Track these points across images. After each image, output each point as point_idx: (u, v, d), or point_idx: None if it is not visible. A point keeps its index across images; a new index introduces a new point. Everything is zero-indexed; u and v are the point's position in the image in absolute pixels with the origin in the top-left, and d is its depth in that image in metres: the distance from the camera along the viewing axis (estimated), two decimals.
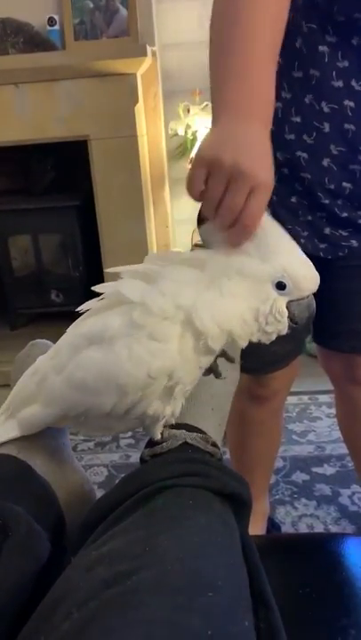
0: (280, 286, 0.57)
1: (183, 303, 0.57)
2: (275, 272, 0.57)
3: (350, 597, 0.62)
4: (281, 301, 0.58)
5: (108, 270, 0.63)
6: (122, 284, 0.60)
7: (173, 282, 0.58)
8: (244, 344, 0.60)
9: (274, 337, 0.60)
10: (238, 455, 1.32)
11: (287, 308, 0.58)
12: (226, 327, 0.58)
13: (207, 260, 0.59)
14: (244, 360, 1.08)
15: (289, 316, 0.59)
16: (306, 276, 0.58)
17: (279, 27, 0.71)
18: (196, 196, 0.61)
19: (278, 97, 0.86)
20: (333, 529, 1.46)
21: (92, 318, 0.62)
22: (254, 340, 0.60)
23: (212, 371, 0.65)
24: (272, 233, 0.58)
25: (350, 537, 0.73)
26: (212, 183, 0.60)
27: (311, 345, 1.20)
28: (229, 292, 0.57)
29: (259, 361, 1.06)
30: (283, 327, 0.59)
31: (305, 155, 0.93)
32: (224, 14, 0.71)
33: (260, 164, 0.60)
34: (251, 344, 0.61)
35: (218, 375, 0.67)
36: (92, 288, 0.62)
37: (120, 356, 0.57)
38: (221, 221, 0.59)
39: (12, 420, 0.68)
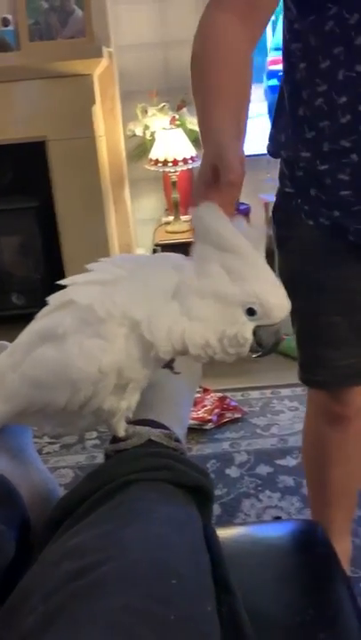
0: (250, 312, 0.59)
1: (132, 315, 0.58)
2: (247, 297, 0.58)
3: (310, 579, 0.65)
4: (248, 326, 0.59)
5: (75, 282, 0.63)
6: (74, 289, 0.61)
7: (132, 289, 0.59)
8: (204, 362, 0.62)
9: (234, 359, 0.61)
10: (316, 488, 1.27)
11: (255, 332, 0.60)
12: (180, 348, 0.59)
13: (185, 271, 0.60)
14: (316, 374, 1.06)
15: (256, 340, 0.60)
16: (277, 305, 0.59)
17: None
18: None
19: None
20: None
21: (46, 318, 0.63)
22: (216, 358, 0.61)
23: (168, 365, 0.67)
24: (249, 258, 0.59)
25: (310, 522, 0.76)
26: None
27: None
28: (198, 315, 0.58)
29: (334, 374, 1.04)
30: (244, 351, 0.60)
31: None
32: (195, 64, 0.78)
33: None
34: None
35: (173, 371, 0.69)
36: (47, 299, 0.63)
37: (71, 353, 0.58)
38: None
39: None
